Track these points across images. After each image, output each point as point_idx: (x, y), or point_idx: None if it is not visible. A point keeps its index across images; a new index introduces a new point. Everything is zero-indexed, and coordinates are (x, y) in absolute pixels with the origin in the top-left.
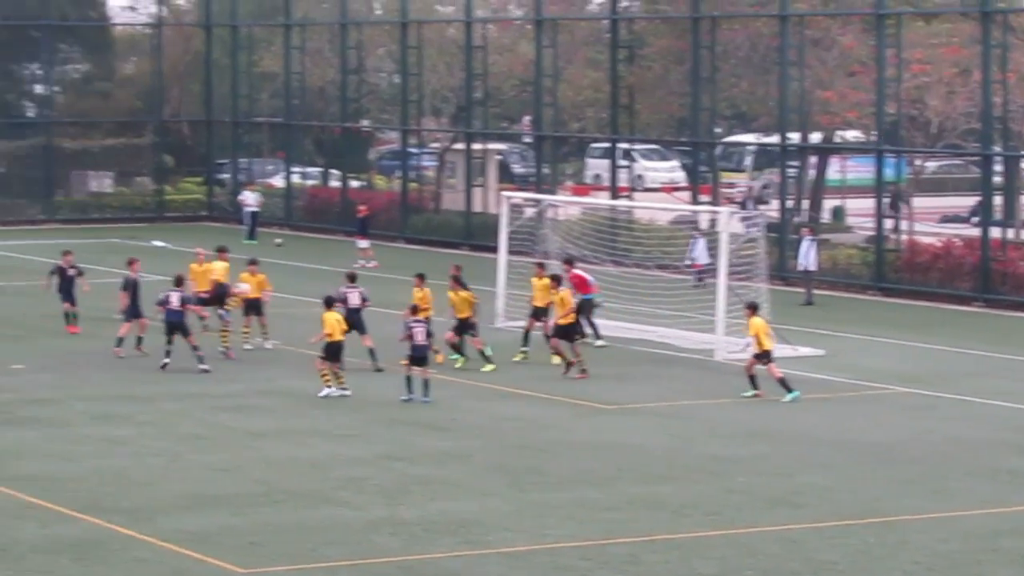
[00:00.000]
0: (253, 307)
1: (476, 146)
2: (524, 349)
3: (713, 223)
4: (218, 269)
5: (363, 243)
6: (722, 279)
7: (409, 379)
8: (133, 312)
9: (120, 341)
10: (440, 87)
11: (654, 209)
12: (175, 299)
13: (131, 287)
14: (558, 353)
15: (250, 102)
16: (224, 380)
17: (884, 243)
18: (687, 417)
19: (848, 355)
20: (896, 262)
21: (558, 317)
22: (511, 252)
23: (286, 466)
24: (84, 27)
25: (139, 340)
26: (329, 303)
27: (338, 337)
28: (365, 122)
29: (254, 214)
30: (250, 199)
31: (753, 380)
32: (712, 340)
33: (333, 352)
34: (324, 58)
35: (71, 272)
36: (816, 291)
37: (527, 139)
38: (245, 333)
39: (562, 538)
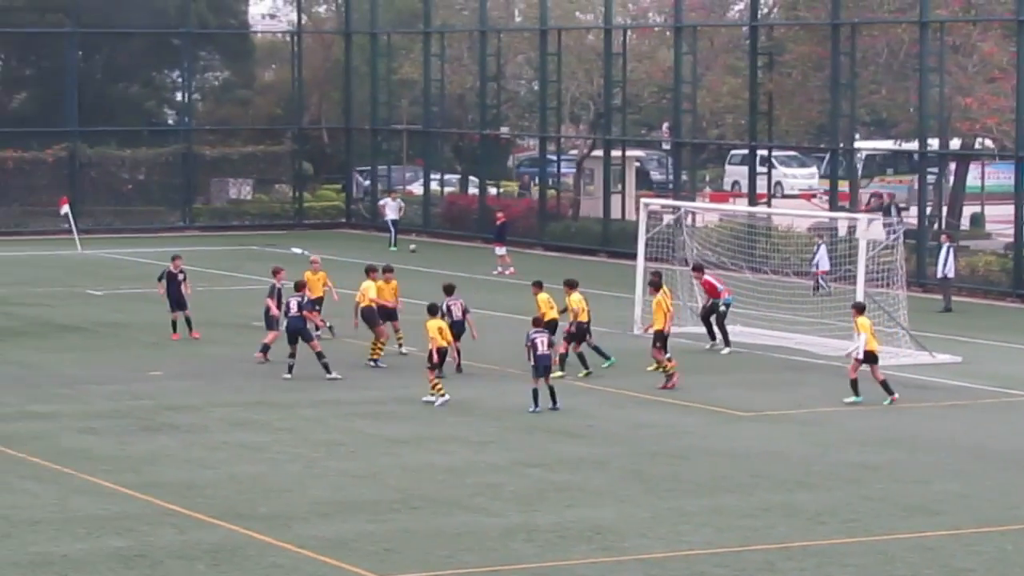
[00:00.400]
0: (387, 314)
1: (615, 153)
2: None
3: (852, 230)
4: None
5: (500, 250)
6: (860, 286)
7: (536, 391)
8: (274, 321)
9: (266, 348)
10: (579, 94)
11: (792, 216)
12: (294, 305)
13: (276, 296)
14: (657, 361)
15: (389, 109)
16: (360, 387)
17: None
18: (824, 424)
19: (986, 362)
20: None
21: (655, 324)
22: (649, 259)
23: (422, 472)
24: (224, 35)
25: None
26: (433, 311)
27: (441, 343)
28: (504, 129)
29: (394, 222)
30: (390, 207)
31: (855, 385)
32: (850, 347)
33: (440, 360)
34: (463, 65)
35: (180, 277)
36: (954, 298)
37: (666, 146)
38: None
39: (698, 545)
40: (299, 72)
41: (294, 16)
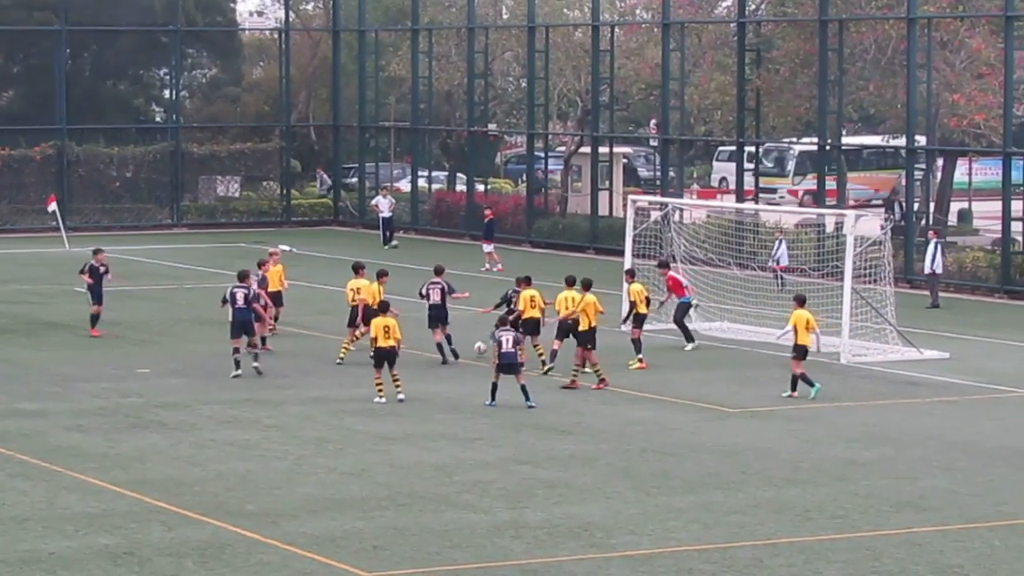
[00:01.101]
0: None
1: (602, 150)
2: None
3: (839, 226)
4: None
5: (488, 247)
6: (848, 282)
7: (495, 385)
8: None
9: (264, 340)
10: (567, 91)
11: (780, 212)
12: (240, 296)
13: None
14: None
15: (377, 107)
16: (349, 385)
17: (1011, 246)
18: (812, 420)
19: (974, 358)
20: (1023, 265)
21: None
22: (637, 255)
23: (411, 470)
24: (212, 32)
25: (263, 340)
26: (384, 308)
27: (384, 344)
28: (492, 126)
29: (386, 219)
30: (383, 204)
31: (805, 378)
32: (837, 343)
33: (379, 359)
34: (451, 62)
35: (102, 270)
36: (942, 294)
37: (653, 142)
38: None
39: (687, 541)
40: (287, 69)
41: (282, 13)
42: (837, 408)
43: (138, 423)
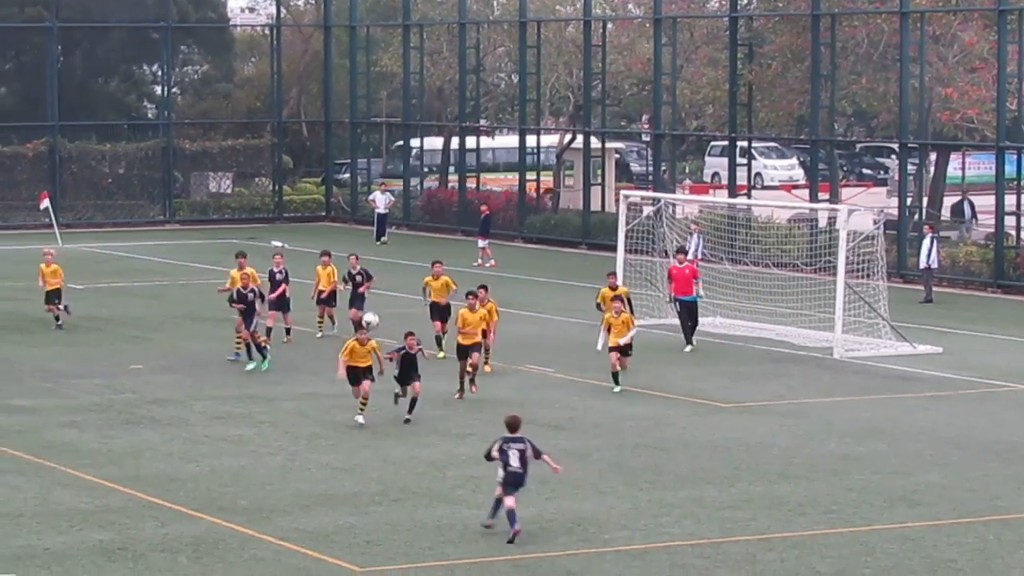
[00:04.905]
0: (327, 299)
1: (594, 145)
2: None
3: (832, 220)
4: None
5: (482, 243)
6: (841, 276)
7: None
8: (276, 304)
9: (269, 331)
10: (558, 86)
11: (772, 207)
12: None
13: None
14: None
15: (368, 102)
16: (342, 380)
17: (1004, 240)
18: (805, 415)
19: (967, 352)
20: (1016, 259)
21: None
22: (629, 251)
23: (404, 465)
24: (204, 28)
25: (268, 331)
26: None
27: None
28: (483, 122)
29: (383, 216)
30: (379, 200)
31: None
32: (830, 338)
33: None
34: (442, 58)
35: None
36: (935, 289)
37: (645, 137)
38: (320, 323)
39: (679, 536)
40: (278, 65)
41: (273, 9)
42: (830, 403)
43: (132, 419)
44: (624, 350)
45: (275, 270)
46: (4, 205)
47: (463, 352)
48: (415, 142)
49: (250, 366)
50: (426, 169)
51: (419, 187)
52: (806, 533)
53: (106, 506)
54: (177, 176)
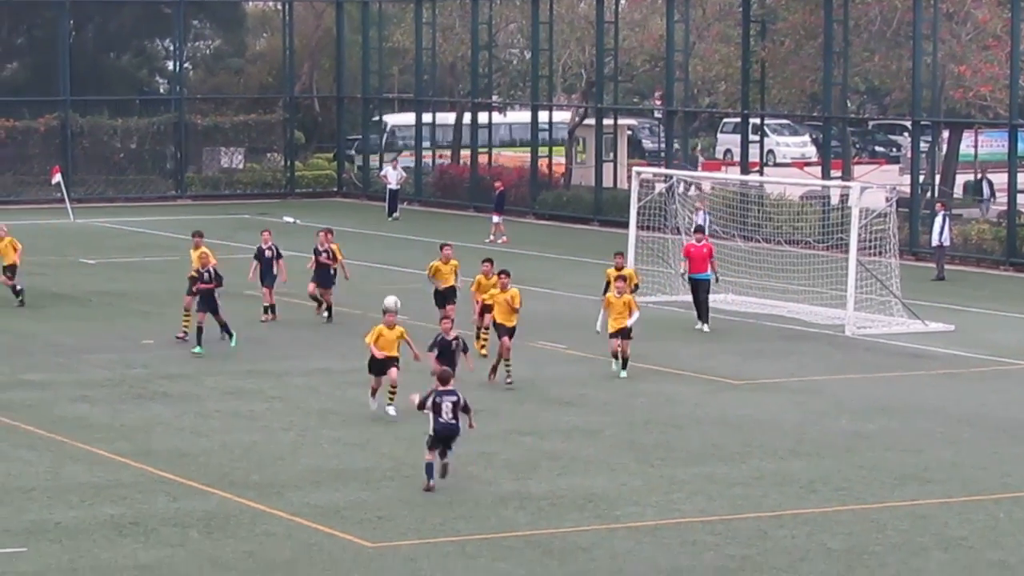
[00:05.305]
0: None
1: (607, 121)
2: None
3: (844, 198)
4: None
5: (496, 219)
6: (853, 254)
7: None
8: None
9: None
10: (571, 63)
11: (785, 184)
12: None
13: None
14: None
15: (380, 78)
16: (352, 356)
17: (1016, 218)
18: (817, 392)
19: (979, 331)
20: None
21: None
22: (641, 228)
23: (415, 441)
24: (216, 3)
25: (265, 309)
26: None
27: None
28: (495, 98)
29: (394, 191)
30: (391, 176)
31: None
32: (842, 315)
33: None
34: (455, 34)
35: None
36: (947, 266)
37: (658, 114)
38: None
39: (690, 513)
40: (290, 41)
41: None
42: (842, 380)
43: (143, 394)
44: (625, 333)
45: (263, 247)
46: (16, 180)
47: (499, 331)
48: (388, 118)
49: (196, 349)
50: (403, 146)
51: (430, 163)
52: (817, 510)
53: (117, 481)
54: (168, 150)
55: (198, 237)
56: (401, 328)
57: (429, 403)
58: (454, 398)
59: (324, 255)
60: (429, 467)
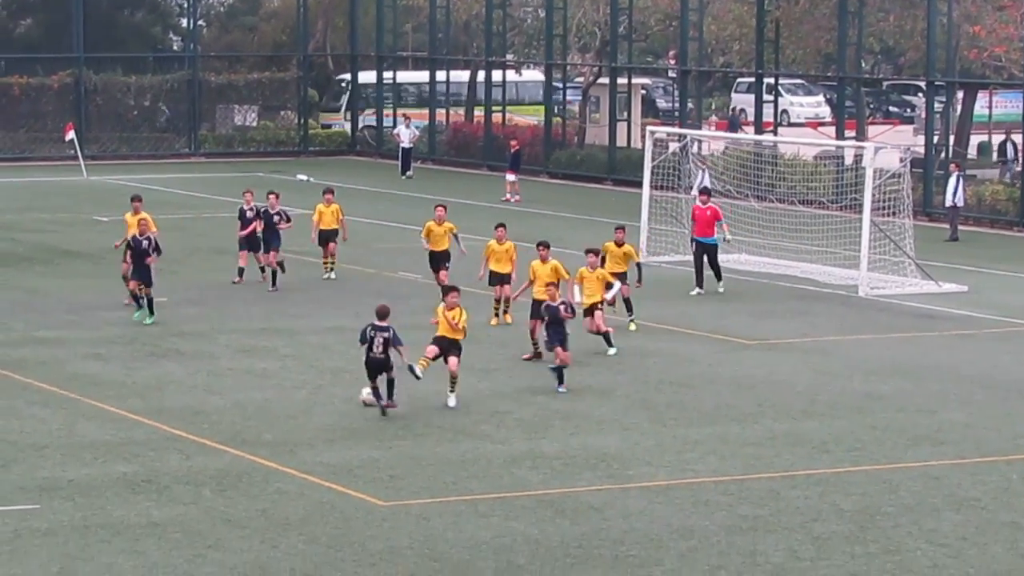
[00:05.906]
0: (326, 237)
1: (621, 81)
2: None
3: (858, 158)
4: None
5: (511, 177)
6: (866, 214)
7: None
8: (249, 244)
9: (242, 272)
10: (585, 21)
11: (799, 144)
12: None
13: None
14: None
15: (394, 36)
16: (366, 315)
17: None
18: (830, 353)
19: (992, 292)
20: None
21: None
22: (655, 187)
23: (428, 400)
24: None
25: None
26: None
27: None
28: (510, 56)
29: (407, 150)
30: (404, 134)
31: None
32: (855, 276)
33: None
34: None
35: None
36: (961, 227)
37: (672, 74)
38: (325, 263)
39: (703, 473)
40: None
41: None
42: (855, 341)
43: (156, 352)
44: (595, 308)
45: (245, 208)
46: (29, 137)
47: (535, 312)
48: (348, 76)
49: (136, 315)
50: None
51: (446, 121)
52: (830, 471)
53: (130, 438)
54: (163, 109)
55: (137, 202)
56: (461, 309)
57: (365, 337)
58: (386, 334)
59: (276, 216)
60: (375, 391)
